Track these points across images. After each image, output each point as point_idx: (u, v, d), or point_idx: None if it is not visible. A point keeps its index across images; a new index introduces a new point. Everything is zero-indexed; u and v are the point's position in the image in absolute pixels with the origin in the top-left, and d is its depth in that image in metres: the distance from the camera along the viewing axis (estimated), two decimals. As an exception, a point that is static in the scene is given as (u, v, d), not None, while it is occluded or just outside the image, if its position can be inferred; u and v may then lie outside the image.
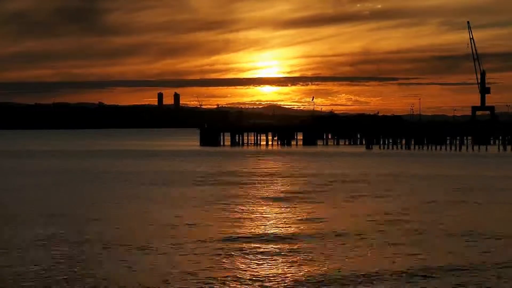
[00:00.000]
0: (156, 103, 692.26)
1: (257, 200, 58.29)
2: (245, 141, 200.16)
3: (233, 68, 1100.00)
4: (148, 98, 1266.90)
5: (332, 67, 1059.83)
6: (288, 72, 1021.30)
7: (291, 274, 29.53)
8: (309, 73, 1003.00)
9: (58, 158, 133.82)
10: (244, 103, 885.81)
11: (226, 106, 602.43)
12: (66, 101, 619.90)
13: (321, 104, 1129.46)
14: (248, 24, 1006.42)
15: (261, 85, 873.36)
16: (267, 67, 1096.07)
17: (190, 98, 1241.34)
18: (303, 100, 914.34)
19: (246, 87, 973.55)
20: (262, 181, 77.39)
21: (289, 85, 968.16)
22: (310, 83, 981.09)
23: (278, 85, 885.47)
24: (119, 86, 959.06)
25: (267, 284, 27.95)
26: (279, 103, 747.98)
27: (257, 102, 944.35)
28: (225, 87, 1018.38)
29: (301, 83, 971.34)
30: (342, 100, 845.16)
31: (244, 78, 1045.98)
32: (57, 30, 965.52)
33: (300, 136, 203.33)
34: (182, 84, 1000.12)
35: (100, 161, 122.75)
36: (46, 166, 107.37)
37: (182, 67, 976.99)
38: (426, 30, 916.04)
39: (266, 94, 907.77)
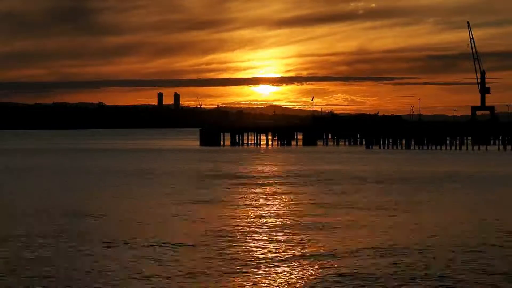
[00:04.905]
0: (155, 103, 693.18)
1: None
2: (245, 141, 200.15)
3: (228, 68, 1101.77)
4: (145, 98, 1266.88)
5: (327, 67, 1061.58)
6: (283, 72, 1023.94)
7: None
8: (304, 73, 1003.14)
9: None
10: (239, 103, 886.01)
11: (225, 106, 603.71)
12: (65, 101, 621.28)
13: (317, 103, 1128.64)
14: (241, 24, 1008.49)
15: (257, 85, 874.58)
16: (263, 66, 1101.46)
17: (187, 98, 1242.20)
18: (299, 100, 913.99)
19: (241, 86, 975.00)
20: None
21: (284, 84, 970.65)
22: (305, 82, 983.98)
23: (274, 85, 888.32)
24: (116, 86, 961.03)
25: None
26: (275, 102, 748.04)
27: (253, 102, 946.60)
28: (221, 87, 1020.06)
29: (296, 82, 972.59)
30: (338, 100, 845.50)
31: (240, 78, 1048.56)
32: (50, 30, 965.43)
33: (300, 136, 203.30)
34: (179, 83, 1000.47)
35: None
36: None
37: (177, 67, 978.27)
38: (422, 29, 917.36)
39: (262, 94, 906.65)
